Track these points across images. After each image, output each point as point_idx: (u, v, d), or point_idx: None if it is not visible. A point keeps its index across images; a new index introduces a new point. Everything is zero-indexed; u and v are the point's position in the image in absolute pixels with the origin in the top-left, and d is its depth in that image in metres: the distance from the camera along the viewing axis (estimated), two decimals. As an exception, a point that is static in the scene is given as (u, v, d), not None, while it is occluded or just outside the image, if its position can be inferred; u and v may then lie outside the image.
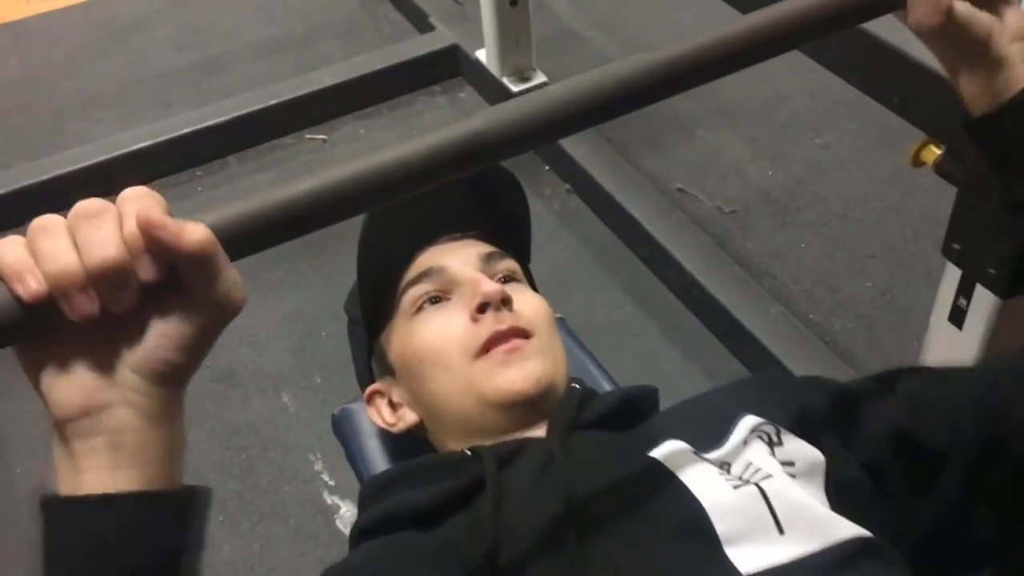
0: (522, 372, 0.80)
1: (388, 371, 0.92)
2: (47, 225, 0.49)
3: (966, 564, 0.73)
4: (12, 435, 1.80)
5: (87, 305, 0.47)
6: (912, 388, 0.76)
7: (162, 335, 0.50)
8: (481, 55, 2.47)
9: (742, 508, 0.66)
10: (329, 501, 1.67)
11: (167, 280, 0.49)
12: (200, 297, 0.50)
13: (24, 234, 0.49)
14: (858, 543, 0.65)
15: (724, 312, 1.83)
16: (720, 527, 0.65)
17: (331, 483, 1.69)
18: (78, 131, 2.50)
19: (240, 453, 1.75)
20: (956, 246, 1.21)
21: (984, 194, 1.15)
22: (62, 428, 0.50)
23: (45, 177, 2.23)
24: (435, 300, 0.87)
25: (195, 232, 0.48)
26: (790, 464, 0.71)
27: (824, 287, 1.95)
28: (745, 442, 0.74)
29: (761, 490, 0.67)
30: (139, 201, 0.48)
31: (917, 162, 1.28)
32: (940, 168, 1.24)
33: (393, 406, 0.92)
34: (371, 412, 0.94)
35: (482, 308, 0.82)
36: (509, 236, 0.96)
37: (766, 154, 2.27)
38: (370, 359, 0.96)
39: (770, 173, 2.22)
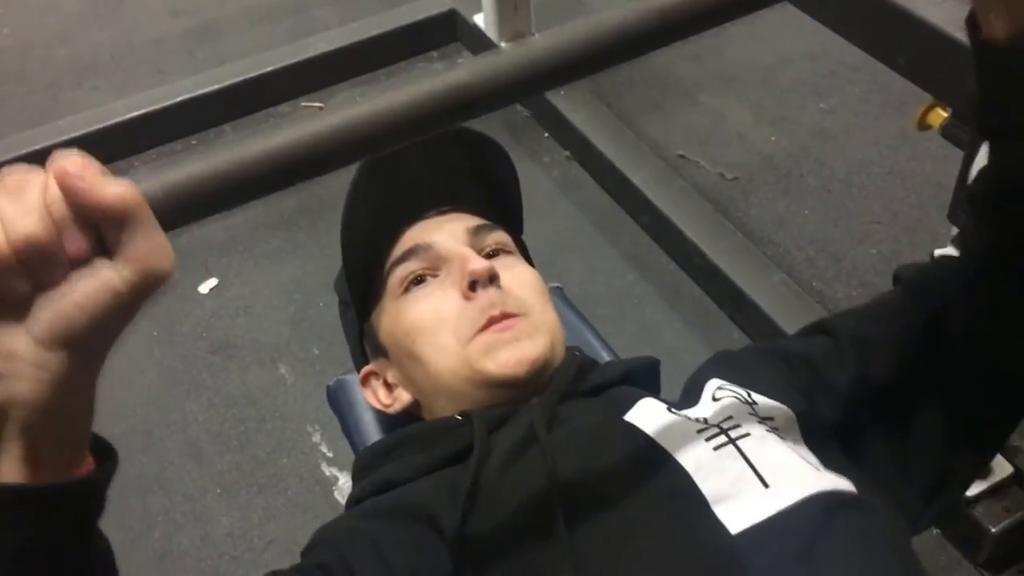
0: (515, 354, 0.79)
1: (381, 352, 0.90)
2: None
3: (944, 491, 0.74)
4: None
5: (17, 286, 0.42)
6: (850, 332, 0.76)
7: (77, 305, 0.43)
8: (479, 20, 2.42)
9: (724, 467, 0.67)
10: (327, 472, 1.66)
11: (94, 248, 0.44)
12: (123, 263, 0.44)
13: None
14: (841, 495, 0.66)
15: (726, 280, 1.81)
16: (705, 488, 0.65)
17: (329, 455, 1.68)
18: (72, 100, 2.47)
19: (238, 425, 1.74)
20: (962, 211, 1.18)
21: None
22: None
23: (40, 147, 2.20)
24: (422, 279, 0.85)
25: (118, 186, 0.43)
26: (769, 419, 0.72)
27: (827, 254, 1.92)
28: (716, 399, 0.74)
29: (739, 450, 0.68)
30: (64, 160, 0.43)
31: (923, 125, 1.26)
32: (947, 131, 1.22)
33: (388, 387, 0.91)
34: (367, 394, 0.93)
35: (472, 286, 0.81)
36: (498, 207, 0.94)
37: (769, 119, 2.24)
38: (362, 340, 0.94)
39: (773, 139, 2.19)
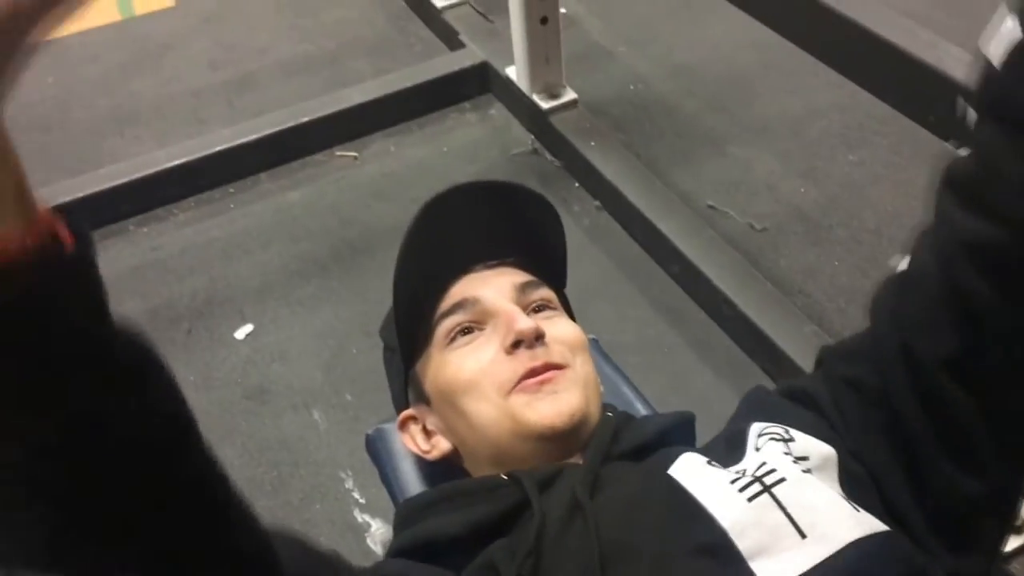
0: (555, 406, 0.81)
1: (423, 399, 0.92)
2: None
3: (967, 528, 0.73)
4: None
5: None
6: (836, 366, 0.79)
7: None
8: (511, 72, 2.47)
9: (760, 520, 0.67)
10: (360, 519, 1.67)
11: None
12: None
13: None
14: (880, 537, 0.66)
15: (756, 330, 1.81)
16: (741, 544, 0.66)
17: (362, 501, 1.69)
18: (114, 148, 2.53)
19: (272, 470, 1.75)
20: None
21: None
22: None
23: (82, 194, 2.26)
24: (468, 331, 0.87)
25: None
26: (805, 459, 0.72)
27: (858, 305, 1.93)
28: (758, 448, 0.75)
29: (775, 498, 0.68)
30: None
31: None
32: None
33: (427, 433, 0.93)
34: (405, 439, 0.95)
35: (516, 344, 0.83)
36: (544, 263, 0.96)
37: (798, 170, 2.26)
38: (406, 387, 0.96)
39: (802, 190, 2.21)
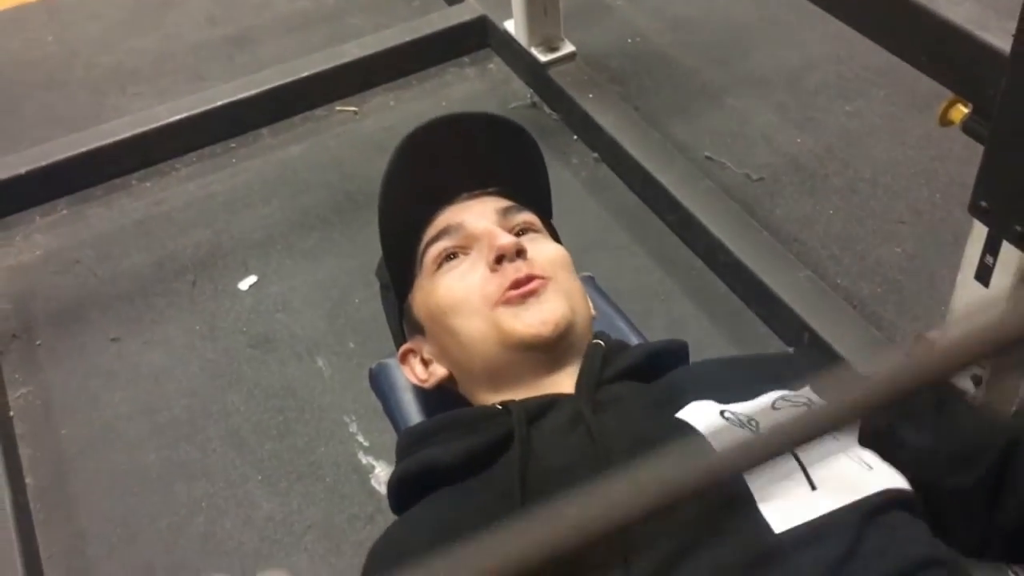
0: (539, 315, 0.83)
1: (417, 330, 0.95)
2: None
3: None
4: (58, 399, 1.86)
5: None
6: None
7: None
8: (509, 26, 2.48)
9: (773, 467, 0.67)
10: (364, 461, 1.71)
11: None
12: None
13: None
14: (887, 495, 0.67)
15: (752, 277, 1.85)
16: (753, 485, 0.66)
17: (365, 444, 1.73)
18: (115, 105, 2.54)
19: (277, 415, 1.79)
20: (983, 204, 1.22)
21: (1011, 152, 1.16)
22: None
23: (84, 150, 2.28)
24: (454, 255, 0.90)
25: None
26: None
27: (852, 252, 1.96)
28: (774, 406, 0.74)
29: (793, 451, 0.69)
30: None
31: (945, 121, 1.29)
32: (967, 126, 1.25)
33: (424, 363, 0.96)
34: (405, 370, 0.98)
35: (499, 260, 0.85)
36: (527, 190, 0.99)
37: (795, 121, 2.28)
38: (402, 320, 0.99)
39: (799, 140, 2.23)
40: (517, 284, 0.84)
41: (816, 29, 2.45)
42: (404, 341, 0.99)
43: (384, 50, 2.52)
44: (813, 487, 0.66)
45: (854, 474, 0.67)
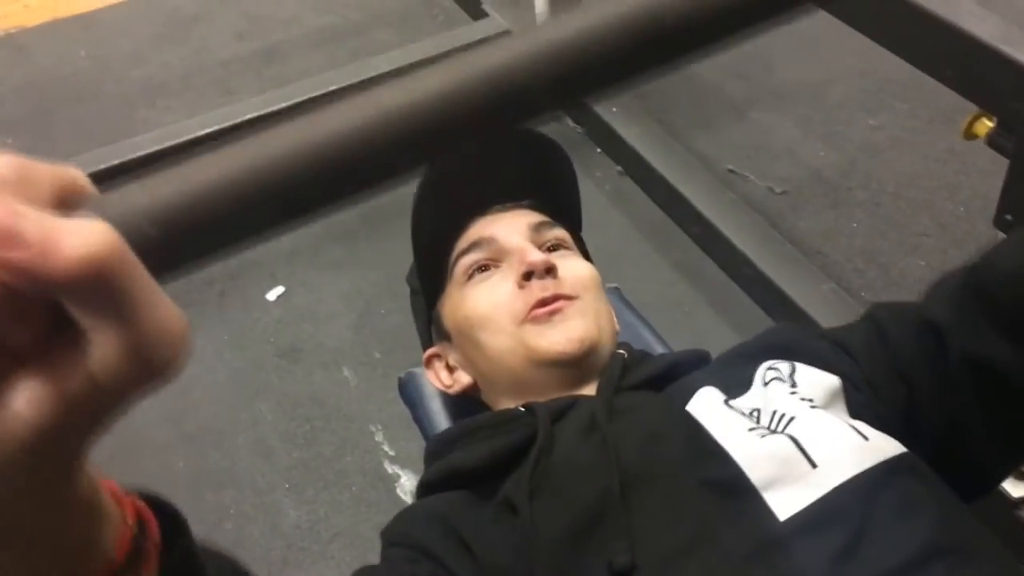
0: (565, 333, 0.84)
1: (444, 336, 0.96)
2: None
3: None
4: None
5: None
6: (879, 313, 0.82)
7: (22, 420, 0.28)
8: (534, 40, 2.50)
9: (772, 452, 0.69)
10: (390, 470, 1.73)
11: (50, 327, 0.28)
12: (101, 348, 0.28)
13: None
14: (889, 463, 0.68)
15: (775, 289, 1.85)
16: (754, 476, 0.68)
17: (391, 453, 1.75)
18: (145, 118, 2.59)
19: (304, 424, 1.82)
20: (1008, 216, 1.22)
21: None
22: None
23: (115, 163, 2.32)
24: (484, 268, 0.91)
25: (81, 242, 0.26)
26: (810, 400, 0.74)
27: (876, 265, 1.96)
28: (766, 383, 0.77)
29: (788, 433, 0.70)
30: None
31: (969, 135, 1.30)
32: (992, 140, 1.26)
33: (449, 369, 0.97)
34: (430, 375, 0.99)
35: (527, 276, 0.86)
36: (558, 204, 1.00)
37: (818, 135, 2.28)
38: (429, 326, 1.01)
39: (822, 153, 2.23)
40: (544, 303, 0.85)
41: (838, 42, 2.45)
42: (430, 345, 1.01)
43: (410, 65, 2.54)
44: (814, 465, 0.67)
45: (852, 446, 0.68)
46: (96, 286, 0.27)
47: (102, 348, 0.28)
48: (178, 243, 0.30)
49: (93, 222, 0.27)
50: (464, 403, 1.00)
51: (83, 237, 0.26)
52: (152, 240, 0.29)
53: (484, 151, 0.98)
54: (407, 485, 1.70)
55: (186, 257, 0.31)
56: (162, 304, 0.28)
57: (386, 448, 1.76)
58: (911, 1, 1.29)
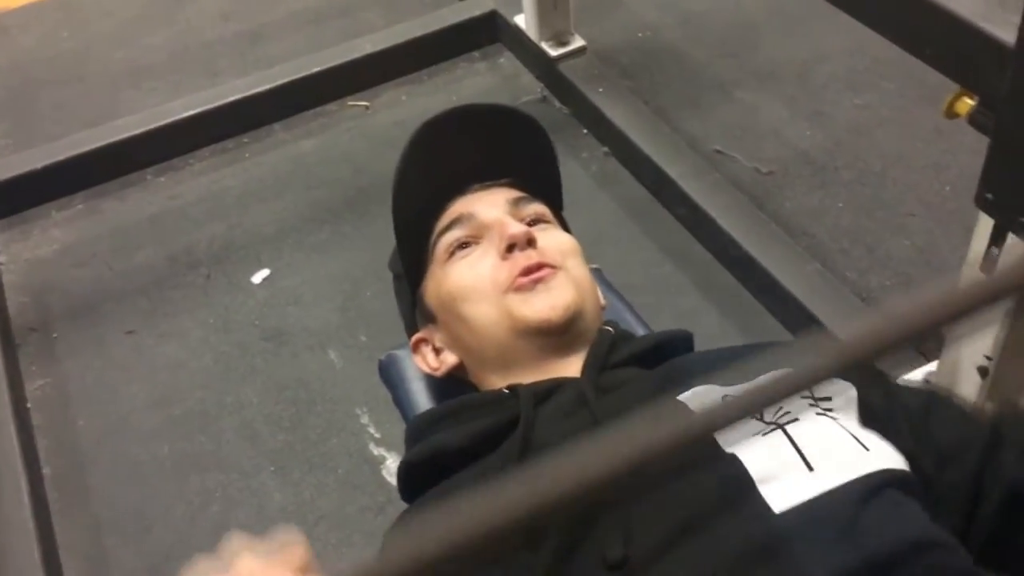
0: (548, 300, 0.84)
1: (429, 318, 0.96)
2: None
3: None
4: (75, 391, 1.88)
5: None
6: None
7: None
8: (520, 20, 2.49)
9: (769, 450, 0.69)
10: (375, 452, 1.73)
11: None
12: None
13: None
14: (884, 474, 0.67)
15: (761, 269, 1.85)
16: (752, 468, 0.67)
17: (377, 435, 1.75)
18: (130, 100, 2.57)
19: (290, 407, 1.81)
20: (989, 195, 1.22)
21: (1016, 144, 1.17)
22: None
23: (100, 145, 2.31)
24: (466, 245, 0.91)
25: None
26: (827, 399, 0.73)
27: (862, 245, 1.96)
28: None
29: (787, 434, 0.69)
30: None
31: (951, 114, 1.30)
32: (973, 119, 1.25)
33: (436, 351, 0.97)
34: (417, 359, 0.99)
35: (510, 248, 0.87)
36: (538, 181, 1.00)
37: (804, 115, 2.28)
38: (414, 310, 1.00)
39: (808, 133, 2.23)
40: (527, 271, 0.86)
41: (825, 22, 2.44)
42: (416, 330, 1.01)
43: (395, 45, 2.53)
44: (811, 468, 0.67)
45: (851, 455, 0.68)
46: None
47: None
48: None
49: None
50: (447, 385, 1.00)
51: None
52: None
53: (462, 130, 0.98)
54: (392, 467, 1.70)
55: None
56: None
57: (372, 431, 1.76)
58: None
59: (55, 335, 1.99)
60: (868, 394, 0.75)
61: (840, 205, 2.05)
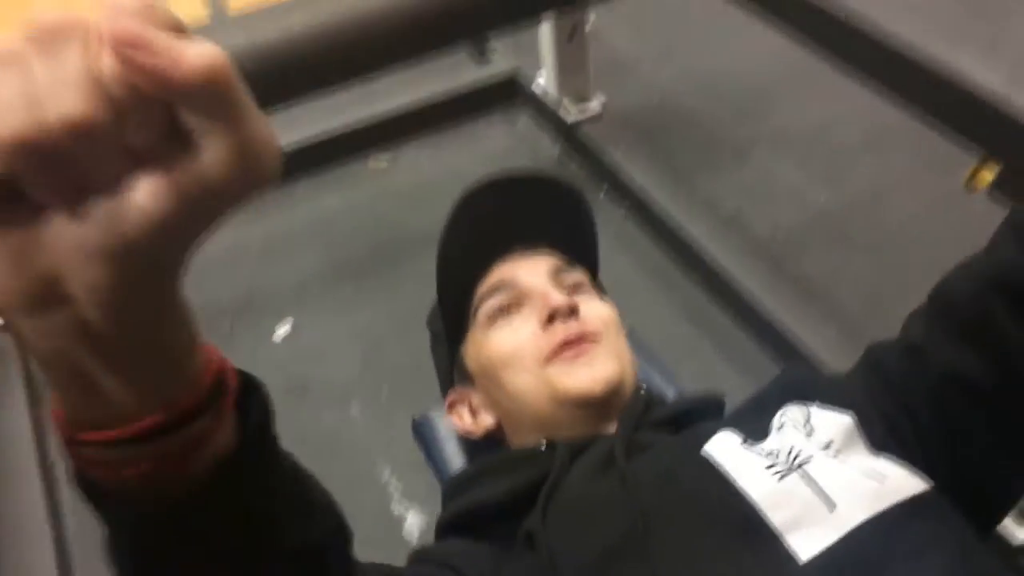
0: (590, 373, 0.85)
1: (467, 379, 0.98)
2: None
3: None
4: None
5: (56, 185, 0.32)
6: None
7: (143, 214, 0.33)
8: (539, 83, 2.55)
9: (790, 495, 0.69)
10: (397, 510, 1.73)
11: (164, 133, 0.33)
12: (208, 156, 0.32)
13: None
14: (905, 504, 0.67)
15: (780, 333, 1.87)
16: (775, 518, 0.68)
17: (398, 492, 1.76)
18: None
19: (312, 462, 1.81)
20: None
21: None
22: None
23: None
24: (508, 311, 0.93)
25: (201, 55, 0.31)
26: (828, 445, 0.74)
27: (881, 306, 1.98)
28: (781, 429, 0.77)
29: (804, 476, 0.70)
30: (120, 13, 0.31)
31: (971, 187, 1.33)
32: (999, 185, 1.28)
33: (472, 411, 0.99)
34: (453, 419, 1.00)
35: (551, 318, 0.88)
36: (577, 248, 1.02)
37: (819, 178, 2.32)
38: (451, 370, 1.02)
39: (823, 196, 2.26)
40: (568, 342, 0.87)
41: (838, 86, 2.48)
42: (452, 389, 1.02)
43: (416, 105, 2.58)
44: (832, 507, 0.67)
45: (870, 489, 0.69)
46: (212, 93, 0.31)
47: (213, 150, 0.32)
48: (268, 81, 0.34)
49: (208, 43, 0.31)
50: (481, 447, 1.01)
51: (202, 52, 0.31)
52: (247, 75, 0.32)
53: (504, 196, 1.01)
54: (414, 523, 1.70)
55: (272, 97, 0.35)
56: (261, 118, 0.33)
57: (393, 488, 1.76)
58: (922, 56, 1.32)
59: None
60: (866, 404, 0.77)
61: (857, 268, 2.08)
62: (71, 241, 0.33)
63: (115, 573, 0.48)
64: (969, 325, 0.73)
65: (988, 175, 1.28)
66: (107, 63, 0.30)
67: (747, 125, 2.51)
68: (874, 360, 0.82)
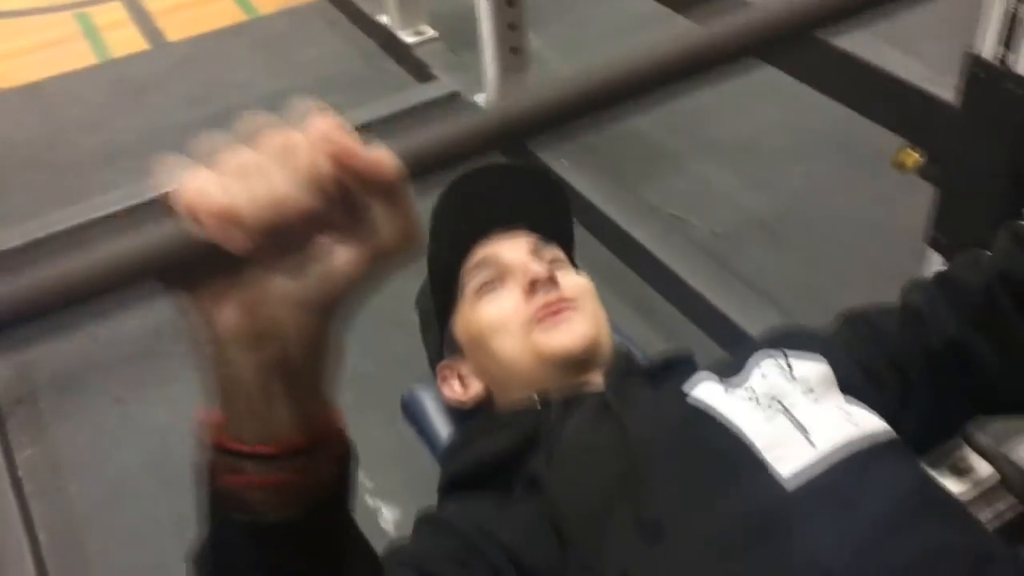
0: (570, 334, 0.94)
1: (457, 351, 1.06)
2: (241, 166, 0.44)
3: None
4: (66, 458, 1.89)
5: (289, 253, 0.45)
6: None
7: (343, 275, 0.46)
8: (480, 100, 2.64)
9: (771, 423, 0.78)
10: (370, 503, 1.78)
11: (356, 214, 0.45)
12: (385, 234, 0.45)
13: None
14: (879, 444, 0.77)
15: (726, 321, 1.98)
16: (764, 452, 0.76)
17: (370, 486, 1.80)
18: (104, 180, 2.62)
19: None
20: (938, 236, 1.38)
21: (961, 192, 1.33)
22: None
23: (75, 223, 2.35)
24: (492, 284, 1.01)
25: (391, 159, 0.44)
26: (809, 390, 0.83)
27: (811, 298, 2.11)
28: (763, 371, 0.85)
29: (788, 412, 0.79)
30: (324, 123, 0.44)
31: (897, 164, 1.45)
32: (923, 172, 1.41)
33: (462, 381, 1.06)
34: (444, 388, 1.08)
35: (532, 286, 0.97)
36: (554, 228, 1.11)
37: (752, 183, 2.46)
38: (440, 343, 1.10)
39: (757, 200, 2.40)
40: (549, 307, 0.96)
41: (763, 100, 2.65)
42: (439, 362, 1.09)
43: (362, 123, 2.63)
44: (808, 435, 0.76)
45: (846, 429, 0.78)
46: (393, 187, 0.44)
47: (389, 228, 0.45)
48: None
49: (386, 151, 0.44)
50: (469, 418, 1.07)
51: (389, 156, 0.44)
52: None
53: (487, 183, 1.09)
54: (388, 517, 1.75)
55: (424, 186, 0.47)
56: (414, 206, 0.46)
57: (366, 482, 1.81)
58: (850, 54, 1.45)
59: (42, 406, 2.01)
60: (843, 355, 0.87)
61: (791, 264, 2.21)
62: (291, 294, 0.45)
63: (196, 570, 0.58)
64: (980, 311, 0.83)
65: (912, 154, 1.40)
66: (325, 168, 0.42)
67: (680, 137, 2.64)
68: (865, 322, 0.92)
